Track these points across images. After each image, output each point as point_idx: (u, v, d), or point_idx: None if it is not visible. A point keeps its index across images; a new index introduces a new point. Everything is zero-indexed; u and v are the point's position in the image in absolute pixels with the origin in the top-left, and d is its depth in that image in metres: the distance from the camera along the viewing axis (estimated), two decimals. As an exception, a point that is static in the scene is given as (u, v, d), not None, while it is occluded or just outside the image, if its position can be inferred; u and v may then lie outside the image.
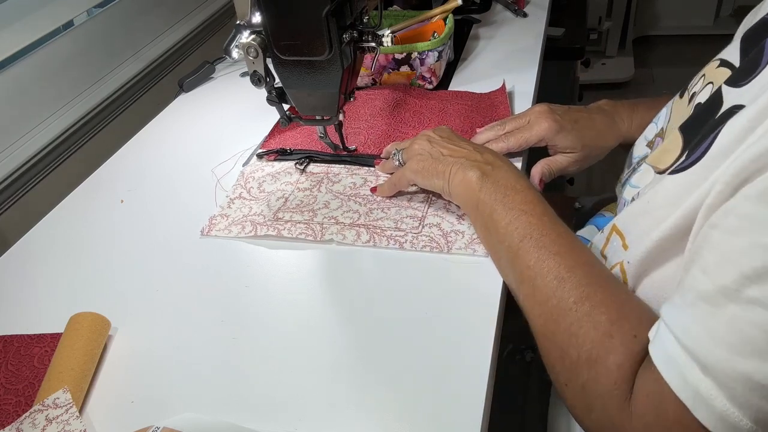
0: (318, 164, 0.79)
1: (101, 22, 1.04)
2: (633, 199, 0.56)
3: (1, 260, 0.71)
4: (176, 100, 1.03)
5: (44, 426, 0.49)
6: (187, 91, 1.04)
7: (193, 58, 1.24)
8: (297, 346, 0.55)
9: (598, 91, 2.49)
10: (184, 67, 1.20)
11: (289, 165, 0.80)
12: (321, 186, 0.75)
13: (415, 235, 0.65)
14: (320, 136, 0.77)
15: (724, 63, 0.52)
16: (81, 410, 0.51)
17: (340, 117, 0.72)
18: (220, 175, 0.80)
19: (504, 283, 0.58)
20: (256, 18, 0.64)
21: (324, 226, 0.68)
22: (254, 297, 0.61)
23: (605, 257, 0.57)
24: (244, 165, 0.81)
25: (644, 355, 0.43)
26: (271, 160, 0.81)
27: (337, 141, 0.77)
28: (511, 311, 0.59)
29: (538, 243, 0.51)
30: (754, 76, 0.44)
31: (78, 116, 0.97)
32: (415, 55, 0.89)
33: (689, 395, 0.38)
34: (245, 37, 0.66)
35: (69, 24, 0.99)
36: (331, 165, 0.79)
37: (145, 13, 1.13)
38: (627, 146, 0.74)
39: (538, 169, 0.72)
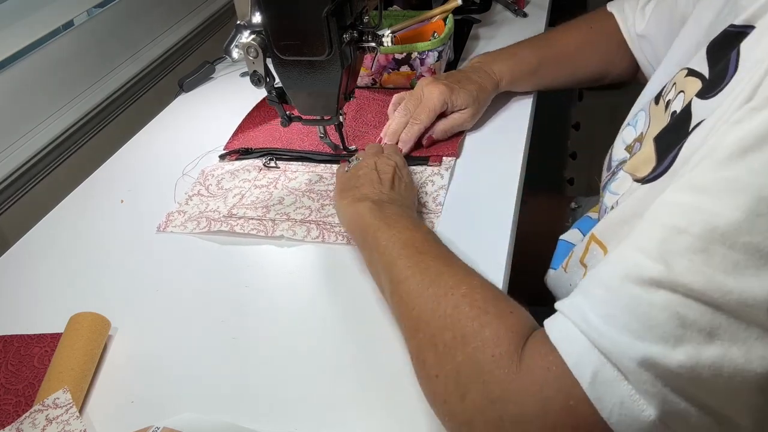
0: (279, 161, 0.81)
1: (101, 22, 1.04)
2: (612, 207, 0.57)
3: (1, 260, 0.71)
4: (176, 100, 1.03)
5: (44, 426, 0.49)
6: (187, 91, 1.04)
7: (193, 58, 1.24)
8: (297, 346, 0.55)
9: (598, 90, 2.48)
10: (184, 67, 1.20)
11: (249, 162, 0.81)
12: (278, 183, 0.77)
13: None
14: (320, 136, 0.77)
15: (692, 72, 0.53)
16: (81, 410, 0.52)
17: (341, 117, 0.73)
18: (195, 174, 0.81)
19: (504, 281, 0.58)
20: (256, 18, 0.64)
21: (276, 222, 0.69)
22: (254, 297, 0.61)
23: (585, 266, 0.58)
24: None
25: (524, 329, 0.41)
26: (232, 160, 0.83)
27: (337, 141, 0.77)
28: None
29: (419, 250, 0.52)
30: (720, 90, 0.44)
31: (78, 116, 0.97)
32: (415, 55, 0.89)
33: (590, 378, 0.36)
34: (245, 37, 0.66)
35: (69, 24, 0.99)
36: (289, 162, 0.81)
37: (145, 13, 1.13)
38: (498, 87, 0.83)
39: (440, 127, 0.79)
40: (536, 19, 1.14)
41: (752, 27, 0.44)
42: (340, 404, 0.50)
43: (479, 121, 0.84)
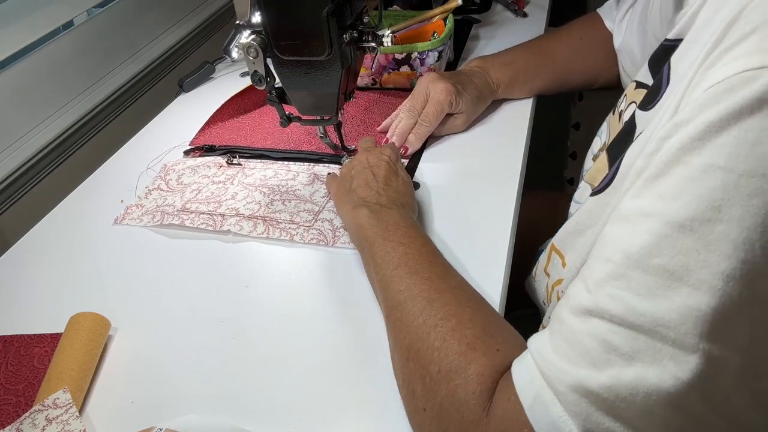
0: (242, 158, 0.82)
1: (101, 22, 1.04)
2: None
3: (1, 260, 0.71)
4: (176, 100, 1.03)
5: (44, 426, 0.49)
6: (187, 91, 1.04)
7: (193, 58, 1.24)
8: (297, 346, 0.55)
9: (598, 90, 2.48)
10: (184, 67, 1.20)
11: (211, 159, 0.82)
12: (234, 179, 0.77)
13: (306, 228, 0.68)
14: (320, 136, 0.77)
15: (640, 84, 0.55)
16: (81, 410, 0.52)
17: (339, 117, 0.73)
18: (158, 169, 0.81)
19: (504, 281, 0.58)
20: (256, 18, 0.64)
21: (225, 217, 0.70)
22: (254, 297, 0.61)
23: (548, 275, 0.58)
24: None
25: (506, 368, 0.43)
26: (196, 156, 0.84)
27: (337, 141, 0.77)
28: (509, 310, 0.59)
29: (411, 270, 0.52)
30: (657, 101, 0.46)
31: (78, 116, 0.97)
32: (415, 55, 0.89)
33: (531, 401, 0.38)
34: (245, 37, 0.66)
35: (69, 24, 0.99)
36: (250, 159, 0.81)
37: (145, 13, 1.13)
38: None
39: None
40: (536, 19, 1.14)
41: (681, 40, 0.46)
42: (339, 404, 0.50)
43: (480, 121, 0.84)
